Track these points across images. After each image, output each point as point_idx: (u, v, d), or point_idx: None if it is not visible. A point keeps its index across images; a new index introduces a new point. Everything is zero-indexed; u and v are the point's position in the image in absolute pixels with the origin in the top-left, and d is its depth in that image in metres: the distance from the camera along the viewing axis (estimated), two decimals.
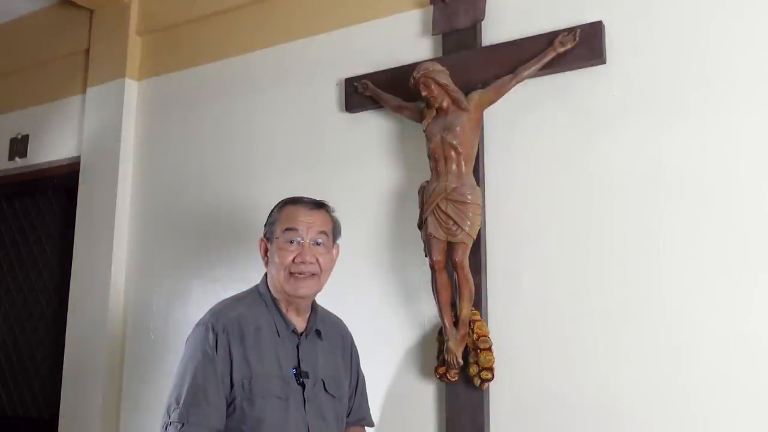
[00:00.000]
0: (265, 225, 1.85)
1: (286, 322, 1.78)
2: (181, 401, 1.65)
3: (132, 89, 3.14)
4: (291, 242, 1.76)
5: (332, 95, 2.59)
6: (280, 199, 1.88)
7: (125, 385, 2.93)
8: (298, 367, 1.75)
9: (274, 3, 2.81)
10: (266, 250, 1.82)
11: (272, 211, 1.85)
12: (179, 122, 3.01)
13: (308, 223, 1.77)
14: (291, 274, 1.75)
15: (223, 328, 1.70)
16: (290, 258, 1.75)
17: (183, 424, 1.62)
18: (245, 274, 2.49)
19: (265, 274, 1.85)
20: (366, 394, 1.99)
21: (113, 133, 3.10)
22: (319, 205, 1.83)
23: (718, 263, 1.86)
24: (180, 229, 2.91)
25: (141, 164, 3.09)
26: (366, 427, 1.97)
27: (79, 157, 3.22)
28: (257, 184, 2.70)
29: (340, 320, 1.97)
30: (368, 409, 1.99)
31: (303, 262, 1.75)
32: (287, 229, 1.76)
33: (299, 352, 1.77)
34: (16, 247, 3.57)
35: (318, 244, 1.78)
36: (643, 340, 1.92)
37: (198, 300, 2.74)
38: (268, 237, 1.82)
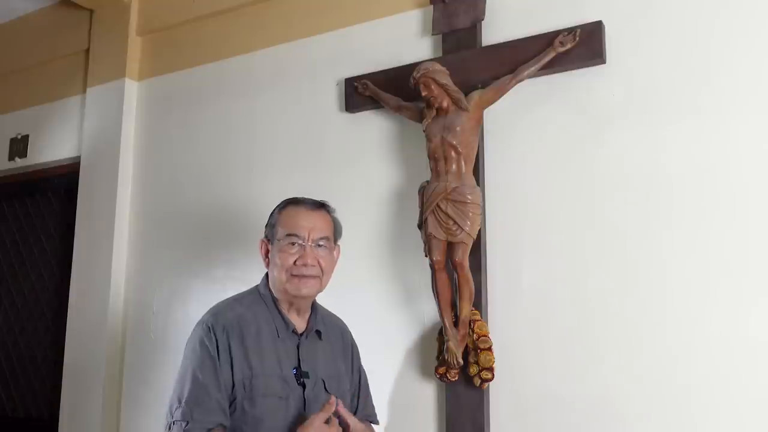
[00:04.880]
0: (266, 226, 1.85)
1: (286, 323, 1.78)
2: (184, 400, 1.65)
3: (132, 89, 3.14)
4: (293, 244, 1.75)
5: (332, 95, 2.59)
6: (281, 200, 1.88)
7: (125, 385, 2.93)
8: (298, 367, 1.75)
9: (274, 3, 2.81)
10: (267, 251, 1.82)
11: (273, 212, 1.85)
12: (179, 122, 3.01)
13: (310, 226, 1.77)
14: (293, 275, 1.75)
15: (223, 327, 1.70)
16: (292, 260, 1.74)
17: (188, 423, 1.62)
18: (245, 275, 2.49)
19: (266, 275, 1.85)
20: (370, 392, 1.98)
21: (113, 133, 3.10)
22: (320, 206, 1.83)
23: (719, 263, 1.86)
24: (180, 229, 2.91)
25: (141, 164, 3.09)
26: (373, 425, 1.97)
27: (79, 157, 3.23)
28: (257, 184, 2.70)
29: (340, 320, 1.97)
30: (374, 407, 1.98)
31: (305, 265, 1.74)
32: (289, 233, 1.76)
33: (299, 352, 1.77)
34: (16, 247, 3.57)
35: (319, 246, 1.78)
36: (643, 340, 1.92)
37: (198, 300, 2.73)
38: (269, 238, 1.82)
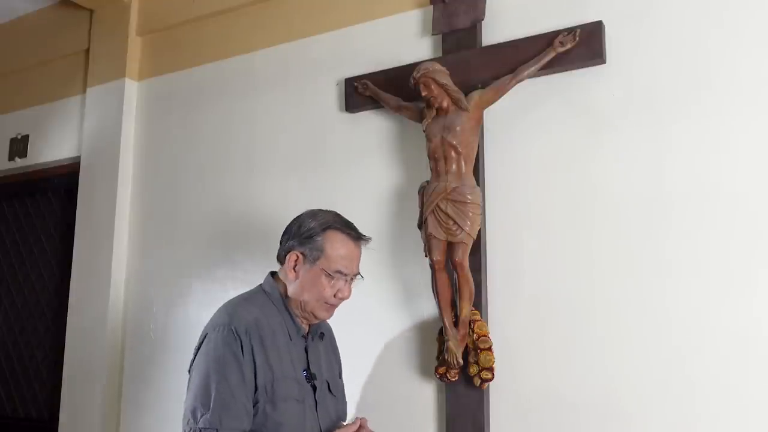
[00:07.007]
0: (295, 236, 1.77)
1: (297, 326, 1.78)
2: (211, 406, 1.60)
3: (132, 89, 3.15)
4: (338, 279, 1.74)
5: (332, 95, 2.59)
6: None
7: (125, 385, 2.93)
8: (307, 368, 1.76)
9: (274, 3, 2.81)
10: (295, 264, 1.76)
11: (309, 228, 1.76)
12: (179, 122, 3.01)
13: (357, 262, 1.78)
14: (326, 303, 1.75)
15: (246, 331, 1.67)
16: (332, 293, 1.74)
17: (217, 430, 1.58)
18: (245, 275, 2.49)
19: (272, 274, 1.83)
20: (344, 389, 1.98)
21: (113, 133, 3.10)
22: (361, 238, 1.81)
23: (720, 263, 1.86)
24: (180, 229, 2.91)
25: (141, 164, 3.10)
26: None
27: (79, 157, 3.23)
28: (257, 184, 2.70)
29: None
30: (346, 404, 1.96)
31: (343, 298, 1.76)
32: (339, 270, 1.74)
33: (308, 354, 1.78)
34: (16, 247, 3.57)
35: (355, 277, 1.79)
36: (643, 340, 1.92)
37: (198, 300, 2.74)
38: (304, 254, 1.75)
